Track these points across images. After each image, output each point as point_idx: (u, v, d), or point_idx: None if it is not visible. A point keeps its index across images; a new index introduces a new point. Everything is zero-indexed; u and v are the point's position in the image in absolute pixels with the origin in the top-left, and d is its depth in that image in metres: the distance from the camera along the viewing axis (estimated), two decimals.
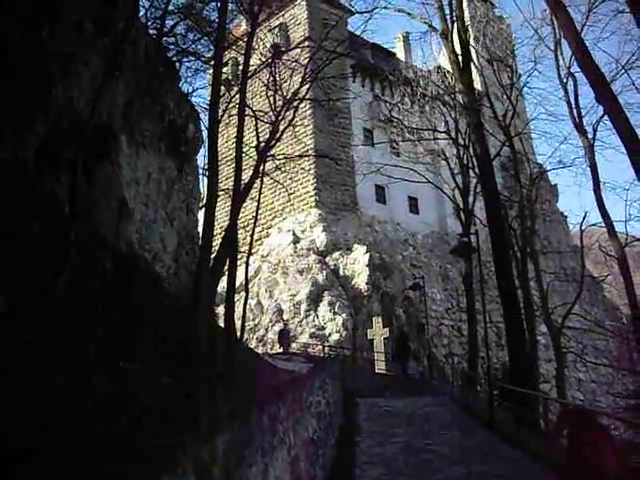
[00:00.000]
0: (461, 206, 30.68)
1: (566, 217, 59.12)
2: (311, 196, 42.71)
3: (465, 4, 31.55)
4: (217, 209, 11.69)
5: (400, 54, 52.26)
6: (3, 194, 5.77)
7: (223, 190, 18.15)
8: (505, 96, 31.98)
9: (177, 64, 17.60)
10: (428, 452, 12.07)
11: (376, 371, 30.69)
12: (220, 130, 12.60)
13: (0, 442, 3.02)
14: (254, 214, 19.81)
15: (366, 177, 37.24)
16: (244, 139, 13.93)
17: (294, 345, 31.81)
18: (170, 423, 4.12)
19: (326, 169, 41.53)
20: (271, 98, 18.02)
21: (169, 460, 2.59)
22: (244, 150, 14.14)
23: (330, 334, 35.01)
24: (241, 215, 16.73)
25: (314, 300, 36.71)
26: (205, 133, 15.25)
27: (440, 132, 32.69)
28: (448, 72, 32.25)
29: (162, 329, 7.77)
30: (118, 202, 10.08)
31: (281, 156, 21.97)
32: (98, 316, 6.02)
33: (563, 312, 31.04)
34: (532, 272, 30.79)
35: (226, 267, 13.81)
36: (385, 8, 26.11)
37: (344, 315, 35.72)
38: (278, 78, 18.54)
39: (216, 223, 12.80)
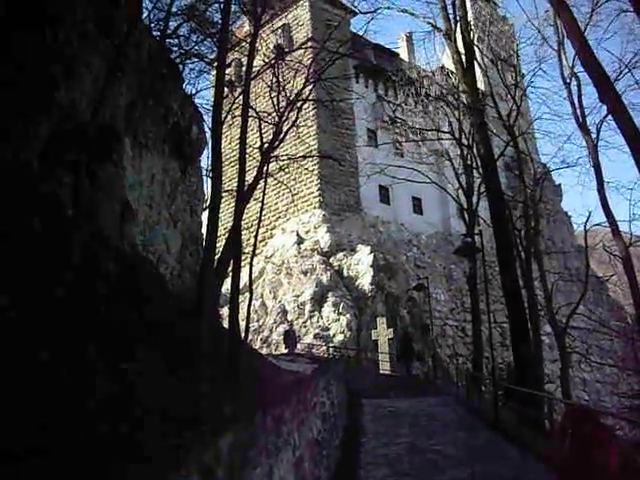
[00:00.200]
0: (465, 206, 30.62)
1: (570, 217, 59.05)
2: (315, 197, 42.72)
3: (468, 4, 31.58)
4: (221, 210, 11.71)
5: (403, 54, 52.21)
6: (7, 195, 5.78)
7: (227, 191, 18.13)
8: (509, 96, 31.95)
9: (180, 65, 17.63)
10: (433, 452, 12.04)
11: (380, 372, 30.67)
12: (224, 131, 12.61)
13: (2, 442, 3.02)
14: (258, 215, 19.81)
15: (370, 178, 37.19)
16: (247, 140, 13.93)
17: (298, 346, 31.81)
18: (173, 424, 4.12)
19: (330, 170, 41.53)
20: (274, 99, 18.01)
21: (173, 461, 2.59)
22: (248, 151, 14.12)
23: (334, 335, 35.01)
24: (245, 216, 16.75)
25: (318, 301, 36.71)
26: (209, 134, 15.31)
27: (444, 132, 32.64)
28: (451, 72, 32.19)
29: (166, 330, 7.77)
30: (121, 204, 10.10)
31: (285, 157, 21.96)
32: (101, 317, 6.02)
33: (567, 312, 30.99)
34: (536, 272, 30.73)
35: (230, 268, 13.81)
36: (388, 8, 26.08)
37: (348, 316, 35.71)
38: (281, 79, 18.53)
39: (220, 224, 12.79)
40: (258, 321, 37.32)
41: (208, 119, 17.65)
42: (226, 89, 15.84)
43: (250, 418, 4.34)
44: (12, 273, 5.12)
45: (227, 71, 15.13)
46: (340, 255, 40.02)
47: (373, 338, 33.13)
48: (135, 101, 11.82)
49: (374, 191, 44.18)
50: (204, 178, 19.07)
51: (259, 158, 16.53)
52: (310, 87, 19.02)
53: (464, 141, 30.78)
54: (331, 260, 39.74)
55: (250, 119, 14.98)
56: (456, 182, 31.70)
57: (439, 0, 26.19)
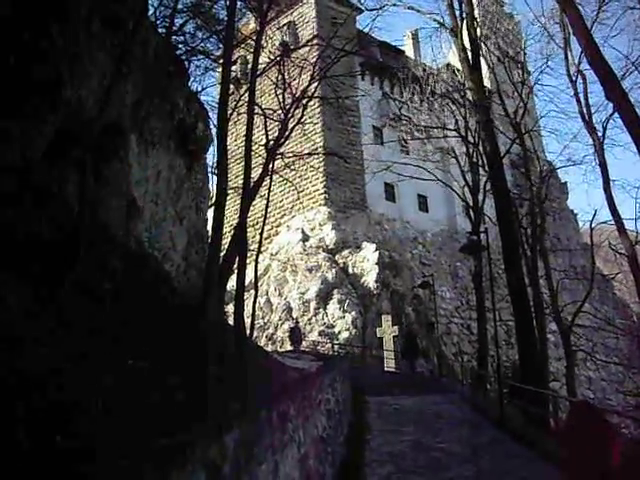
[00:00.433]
0: (471, 204, 30.56)
1: (576, 215, 58.96)
2: (320, 194, 42.73)
3: (475, 1, 31.45)
4: (226, 207, 11.72)
5: (409, 52, 52.13)
6: (13, 193, 5.80)
7: (232, 188, 18.17)
8: (516, 93, 31.89)
9: (186, 63, 17.63)
10: (438, 450, 12.04)
11: (385, 369, 30.67)
12: (229, 128, 12.63)
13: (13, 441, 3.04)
14: (263, 212, 19.83)
15: (375, 175, 37.16)
16: (253, 137, 13.94)
17: (303, 343, 31.84)
18: (179, 421, 4.14)
19: (335, 167, 41.53)
20: (280, 96, 18.02)
21: (178, 458, 2.60)
22: (253, 148, 14.13)
23: (339, 332, 35.03)
24: (250, 213, 16.75)
25: (323, 298, 36.74)
26: (214, 131, 15.28)
27: (450, 130, 32.59)
28: (457, 70, 32.15)
29: (171, 327, 7.79)
30: (127, 201, 10.12)
31: (290, 154, 21.99)
32: (107, 314, 6.04)
33: (573, 310, 30.92)
34: (542, 270, 30.69)
35: (235, 265, 13.83)
36: (394, 5, 26.02)
37: (353, 313, 35.73)
38: (287, 76, 18.53)
39: (225, 221, 12.81)
40: (263, 318, 37.37)
41: (214, 116, 17.66)
42: (232, 86, 15.87)
43: (256, 414, 4.35)
44: (17, 271, 5.14)
45: (233, 68, 15.14)
46: (345, 252, 40.05)
47: (378, 335, 33.13)
48: (141, 98, 11.83)
49: (379, 188, 44.15)
50: (210, 175, 19.10)
51: (265, 155, 16.54)
52: (316, 84, 19.02)
53: (470, 139, 30.70)
54: (336, 257, 39.76)
55: (256, 116, 14.99)
56: (462, 180, 31.64)
57: None
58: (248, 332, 15.34)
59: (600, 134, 27.21)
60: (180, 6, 16.61)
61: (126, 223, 9.99)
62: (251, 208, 15.22)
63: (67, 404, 3.79)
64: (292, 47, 33.52)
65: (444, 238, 47.43)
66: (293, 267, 39.76)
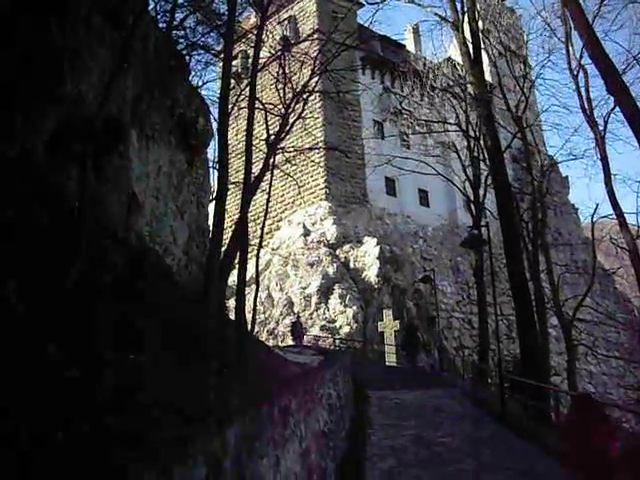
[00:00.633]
0: (472, 198, 30.57)
1: (577, 209, 58.91)
2: (321, 189, 42.72)
3: None
4: (227, 202, 11.70)
5: (410, 46, 52.04)
6: (13, 188, 5.80)
7: (233, 183, 18.15)
8: (518, 87, 31.85)
9: (187, 57, 17.61)
10: (439, 445, 12.07)
11: (387, 364, 30.71)
12: (230, 123, 12.59)
13: (10, 432, 3.04)
14: (264, 207, 19.80)
15: (376, 169, 37.17)
16: (254, 132, 13.90)
17: (305, 338, 31.87)
18: (180, 415, 4.14)
19: (336, 162, 41.50)
20: (281, 91, 17.97)
21: (180, 452, 2.60)
22: (254, 143, 14.10)
23: (341, 327, 35.08)
24: (251, 208, 16.74)
25: (324, 293, 36.77)
26: (215, 126, 15.27)
27: (451, 124, 32.56)
28: (458, 64, 32.10)
29: (172, 322, 7.79)
30: (128, 195, 10.12)
31: (291, 149, 21.94)
32: (108, 309, 6.04)
33: (574, 304, 30.96)
34: (543, 264, 30.70)
35: (236, 260, 13.82)
36: None
37: (355, 308, 35.76)
38: (288, 71, 18.48)
39: (226, 216, 12.79)
40: (265, 313, 37.42)
41: (214, 111, 17.63)
42: (232, 81, 15.83)
43: (257, 409, 4.36)
44: (19, 266, 5.14)
45: (233, 63, 15.15)
46: (346, 247, 40.06)
47: (379, 330, 33.19)
48: (141, 93, 11.81)
49: (380, 183, 44.12)
50: (210, 170, 19.08)
51: (265, 150, 16.51)
52: (316, 79, 18.97)
53: (471, 133, 30.70)
54: (337, 252, 39.78)
55: (256, 111, 14.95)
56: (463, 174, 31.63)
57: None
58: (249, 327, 15.33)
59: (601, 128, 27.22)
60: (181, 0, 16.60)
61: (127, 218, 9.99)
62: (252, 203, 15.20)
63: (67, 399, 3.79)
64: (293, 41, 33.51)
65: (445, 232, 47.42)
66: (294, 262, 39.78)
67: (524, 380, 17.13)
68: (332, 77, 19.47)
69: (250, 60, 15.99)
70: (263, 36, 15.93)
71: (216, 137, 13.05)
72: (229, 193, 12.39)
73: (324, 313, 36.07)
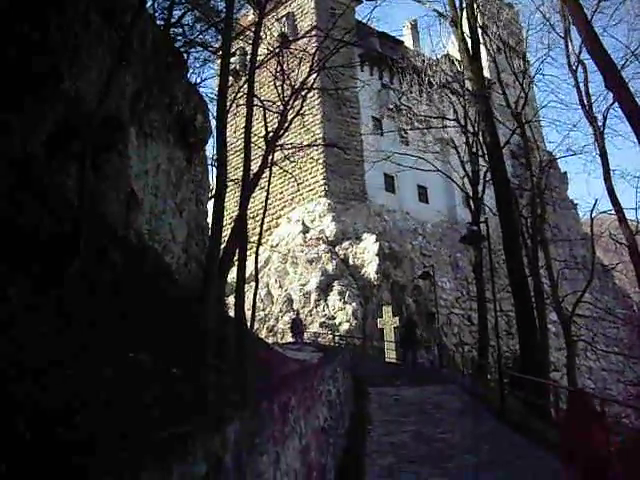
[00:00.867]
0: (471, 194, 30.50)
1: (576, 205, 58.81)
2: (320, 185, 42.70)
3: None
4: (226, 199, 11.71)
5: (408, 42, 52.03)
6: (14, 186, 5.80)
7: (232, 180, 18.17)
8: (517, 83, 31.79)
9: (185, 55, 17.61)
10: (438, 441, 12.07)
11: (386, 360, 30.72)
12: (228, 120, 12.62)
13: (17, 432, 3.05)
14: (263, 204, 19.82)
15: (375, 166, 37.11)
16: (253, 129, 13.92)
17: (304, 334, 31.88)
18: (180, 412, 4.15)
19: (335, 158, 41.47)
20: (279, 88, 17.99)
21: (179, 449, 2.60)
22: (253, 140, 14.11)
23: (340, 323, 35.09)
24: (250, 205, 16.76)
25: (324, 290, 36.78)
26: (214, 123, 15.26)
27: (449, 120, 32.51)
28: (457, 60, 32.06)
29: (172, 319, 7.80)
30: (127, 193, 10.12)
31: (290, 146, 21.95)
32: (107, 306, 6.05)
33: (573, 300, 30.93)
34: (542, 260, 30.67)
35: (236, 257, 13.83)
36: None
37: (354, 304, 35.78)
38: (286, 68, 18.49)
39: (225, 213, 12.81)
40: (264, 310, 37.44)
41: (213, 108, 17.65)
42: (231, 78, 15.83)
43: (257, 406, 4.36)
44: (18, 264, 5.14)
45: (232, 60, 15.10)
46: (346, 244, 40.07)
47: (379, 326, 33.19)
48: (140, 91, 11.81)
49: (379, 179, 44.10)
50: (209, 167, 19.08)
51: (264, 147, 16.53)
52: (315, 76, 18.99)
53: (470, 129, 30.63)
54: (337, 249, 39.78)
55: (255, 108, 14.96)
56: (462, 170, 31.56)
57: None
58: (249, 324, 15.36)
59: (600, 124, 27.20)
60: None
61: (126, 216, 9.99)
62: (251, 200, 15.22)
63: (67, 396, 3.80)
64: (291, 38, 33.48)
65: (444, 229, 47.41)
66: (293, 259, 39.79)
67: (524, 376, 17.14)
68: (330, 74, 19.46)
69: (248, 57, 15.97)
70: (261, 33, 15.95)
71: (215, 134, 13.04)
72: (228, 190, 12.38)
73: (323, 310, 36.09)
